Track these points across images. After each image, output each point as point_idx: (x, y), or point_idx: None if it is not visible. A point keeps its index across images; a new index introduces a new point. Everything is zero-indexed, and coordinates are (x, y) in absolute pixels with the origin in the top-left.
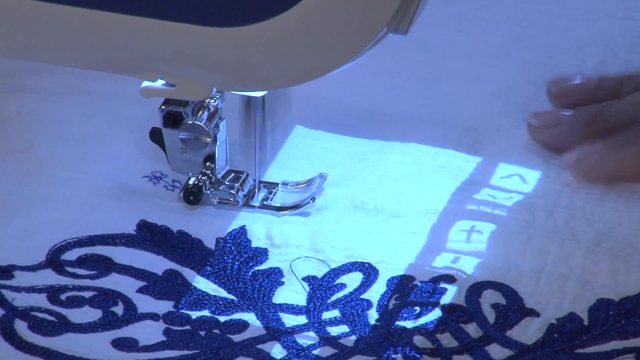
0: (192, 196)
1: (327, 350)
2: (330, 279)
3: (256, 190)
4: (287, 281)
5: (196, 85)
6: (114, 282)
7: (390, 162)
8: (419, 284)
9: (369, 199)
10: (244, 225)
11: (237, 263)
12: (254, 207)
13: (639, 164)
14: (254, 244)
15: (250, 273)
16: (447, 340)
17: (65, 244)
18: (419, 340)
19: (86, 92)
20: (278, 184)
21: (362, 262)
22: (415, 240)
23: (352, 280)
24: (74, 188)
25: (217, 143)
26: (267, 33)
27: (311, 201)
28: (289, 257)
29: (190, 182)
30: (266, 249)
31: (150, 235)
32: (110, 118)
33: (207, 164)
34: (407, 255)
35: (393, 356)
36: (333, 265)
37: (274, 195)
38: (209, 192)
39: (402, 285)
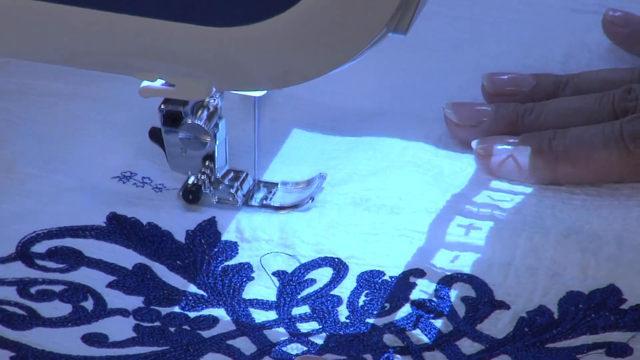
0: (192, 195)
1: (297, 348)
2: (300, 274)
3: (254, 190)
4: (257, 276)
5: (196, 84)
6: (83, 276)
7: (360, 159)
8: (389, 279)
9: (338, 195)
10: (214, 217)
11: (206, 257)
12: (253, 206)
13: (548, 173)
14: (224, 237)
15: (220, 268)
16: (417, 337)
17: (35, 236)
18: (388, 339)
19: (57, 93)
20: (277, 183)
21: (331, 257)
22: (385, 235)
23: (322, 275)
24: (42, 184)
25: (217, 142)
26: (267, 33)
27: (310, 201)
28: (259, 252)
29: (190, 181)
30: (236, 242)
31: (120, 228)
32: (81, 119)
33: (207, 163)
34: (376, 250)
35: (364, 355)
36: (303, 260)
37: (273, 194)
38: (208, 191)
39: (371, 281)
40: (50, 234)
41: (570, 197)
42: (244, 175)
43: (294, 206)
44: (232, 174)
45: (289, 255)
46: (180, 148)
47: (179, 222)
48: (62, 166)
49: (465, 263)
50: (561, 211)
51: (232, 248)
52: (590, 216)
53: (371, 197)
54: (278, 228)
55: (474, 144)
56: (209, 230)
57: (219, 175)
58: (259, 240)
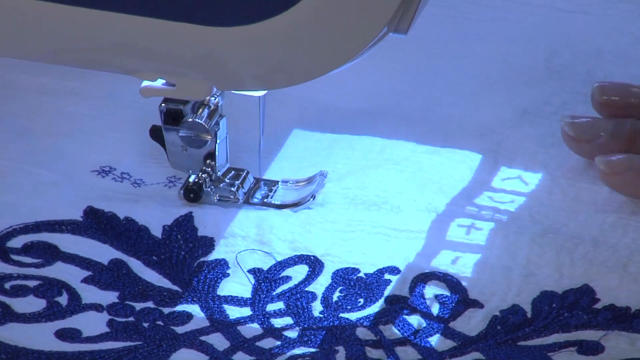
0: (193, 194)
1: (270, 342)
2: (275, 272)
3: (255, 188)
4: (233, 273)
5: (196, 84)
6: (59, 271)
7: (339, 157)
8: (364, 276)
9: (315, 193)
10: (191, 212)
11: (182, 253)
12: (254, 204)
13: None
14: (200, 233)
15: (195, 264)
16: (389, 331)
17: (11, 230)
18: (361, 333)
19: (38, 88)
20: (278, 181)
21: (307, 255)
22: (361, 233)
23: (298, 272)
24: (20, 177)
25: (218, 141)
26: (266, 33)
27: (311, 199)
28: (235, 249)
29: (191, 179)
30: (212, 238)
31: (96, 222)
32: (62, 114)
33: (208, 161)
34: (352, 248)
35: (336, 348)
36: (279, 258)
37: (274, 192)
38: (209, 189)
39: (346, 278)
40: (26, 229)
41: (549, 199)
42: (244, 173)
43: (295, 204)
44: (232, 173)
45: (265, 252)
46: (181, 146)
47: (156, 217)
48: (42, 159)
49: (442, 261)
50: (538, 212)
51: (208, 244)
52: (567, 219)
53: (348, 195)
54: (255, 225)
55: (598, 160)
56: (185, 226)
57: (219, 173)
58: (235, 237)
